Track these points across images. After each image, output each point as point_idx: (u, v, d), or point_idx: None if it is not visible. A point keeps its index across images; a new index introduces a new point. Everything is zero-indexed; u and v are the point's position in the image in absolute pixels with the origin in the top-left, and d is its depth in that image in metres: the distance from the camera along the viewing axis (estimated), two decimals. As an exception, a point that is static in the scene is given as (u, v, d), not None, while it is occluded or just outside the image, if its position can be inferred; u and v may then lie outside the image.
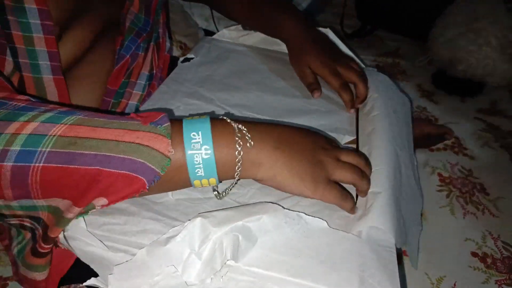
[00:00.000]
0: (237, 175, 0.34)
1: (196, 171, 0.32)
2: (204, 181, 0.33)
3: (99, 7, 0.47)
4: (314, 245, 0.34)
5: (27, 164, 0.28)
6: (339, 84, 0.52)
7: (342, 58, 0.56)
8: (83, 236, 0.33)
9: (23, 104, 0.31)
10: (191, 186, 0.34)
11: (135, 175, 0.29)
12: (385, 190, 0.40)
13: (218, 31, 0.73)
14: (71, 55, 0.44)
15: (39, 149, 0.28)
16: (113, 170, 0.29)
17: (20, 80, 0.40)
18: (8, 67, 0.38)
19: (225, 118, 0.35)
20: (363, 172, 0.39)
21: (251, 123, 0.36)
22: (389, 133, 0.47)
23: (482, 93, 0.93)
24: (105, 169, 0.29)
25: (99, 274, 0.33)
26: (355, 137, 0.49)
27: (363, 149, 0.46)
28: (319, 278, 0.31)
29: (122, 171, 0.29)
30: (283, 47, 0.62)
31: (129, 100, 0.53)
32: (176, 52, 0.79)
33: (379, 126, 0.48)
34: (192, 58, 0.60)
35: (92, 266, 0.33)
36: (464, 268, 0.57)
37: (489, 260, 0.57)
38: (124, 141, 0.30)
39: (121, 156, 0.29)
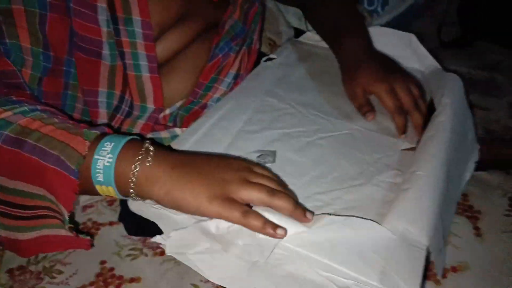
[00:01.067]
0: (132, 189, 0.37)
1: (97, 175, 0.37)
2: (104, 187, 0.38)
3: (203, 11, 0.56)
4: (346, 233, 0.39)
5: None
6: (394, 106, 0.51)
7: (402, 77, 0.54)
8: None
9: (15, 99, 0.41)
10: (97, 191, 0.39)
11: (60, 169, 0.35)
12: (430, 195, 0.42)
13: (308, 31, 0.78)
14: (171, 50, 0.54)
15: (2, 131, 0.36)
16: (46, 164, 0.36)
17: (124, 77, 0.50)
18: (104, 69, 0.49)
19: (147, 141, 0.39)
20: (274, 190, 0.38)
21: (166, 149, 0.40)
22: (447, 144, 0.49)
23: None
24: (41, 161, 0.36)
25: (163, 232, 0.40)
26: (414, 146, 0.51)
27: (418, 149, 0.48)
28: (343, 260, 0.36)
29: (52, 166, 0.35)
30: None
31: (214, 94, 0.61)
32: (264, 48, 0.87)
33: (440, 134, 0.50)
34: (274, 58, 0.67)
35: (158, 223, 0.41)
36: (515, 296, 0.55)
37: (544, 294, 0.55)
38: (57, 139, 0.36)
39: (51, 151, 0.36)
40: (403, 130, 0.51)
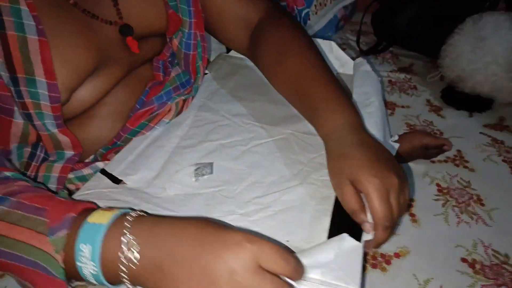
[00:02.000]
0: (125, 283, 0.33)
1: (89, 279, 0.34)
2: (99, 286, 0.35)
3: (122, 59, 0.53)
4: None
5: None
6: (383, 217, 0.39)
7: (399, 177, 0.41)
8: None
9: None
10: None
11: (42, 272, 0.34)
12: None
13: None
14: (88, 100, 0.50)
15: None
16: (29, 267, 0.34)
17: (38, 136, 0.47)
18: (17, 126, 0.46)
19: (125, 229, 0.33)
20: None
21: (151, 231, 0.33)
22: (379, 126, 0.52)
23: (491, 109, 0.95)
24: (21, 265, 0.34)
25: None
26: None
27: None
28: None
29: (36, 270, 0.34)
30: None
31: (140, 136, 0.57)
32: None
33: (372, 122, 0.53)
34: (206, 74, 0.67)
35: None
36: (452, 272, 0.59)
37: (477, 266, 0.60)
38: (31, 245, 0.34)
39: (30, 258, 0.34)
40: (375, 245, 0.42)
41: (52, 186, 0.51)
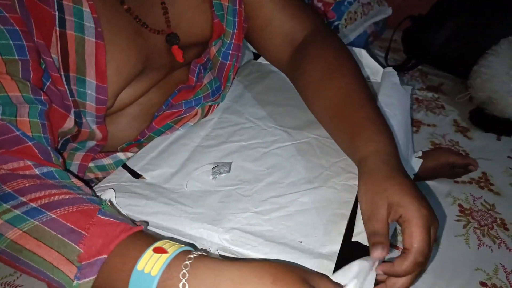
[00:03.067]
0: None
1: None
2: None
3: (161, 65, 0.54)
4: None
5: None
6: (422, 250, 0.36)
7: (436, 225, 0.39)
8: None
9: (9, 190, 0.36)
10: None
11: None
12: None
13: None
14: (124, 101, 0.51)
15: None
16: (55, 285, 0.34)
17: (77, 131, 0.49)
18: (69, 123, 0.46)
19: (181, 277, 0.31)
20: None
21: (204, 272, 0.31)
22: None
23: (520, 133, 0.92)
24: (48, 280, 0.34)
25: None
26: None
27: None
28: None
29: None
30: None
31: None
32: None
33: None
34: (234, 78, 0.69)
35: None
36: (470, 296, 0.58)
37: (497, 292, 0.58)
38: (59, 269, 0.33)
39: (57, 280, 0.33)
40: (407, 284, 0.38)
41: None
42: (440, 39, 1.16)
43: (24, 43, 0.40)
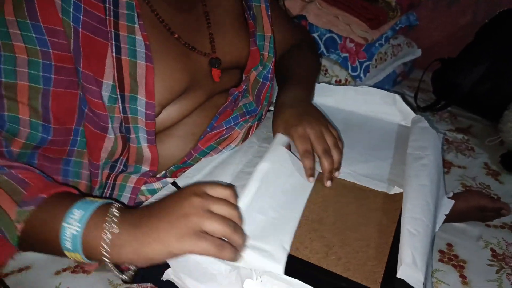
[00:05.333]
0: (103, 256, 0.37)
1: (65, 242, 0.37)
2: (72, 253, 0.38)
3: (205, 85, 0.59)
4: None
5: None
6: (302, 150, 0.54)
7: (316, 124, 0.56)
8: None
9: None
10: (65, 255, 0.39)
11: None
12: (427, 242, 0.45)
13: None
14: (171, 119, 0.56)
15: None
16: None
17: (122, 151, 0.54)
18: (108, 142, 0.52)
19: (113, 206, 0.39)
20: (236, 225, 0.39)
21: (128, 208, 0.40)
22: (433, 189, 0.53)
23: (553, 180, 0.91)
24: None
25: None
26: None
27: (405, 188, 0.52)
28: None
29: None
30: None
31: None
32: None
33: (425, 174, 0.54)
34: (271, 110, 0.72)
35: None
36: None
37: None
38: (1, 207, 0.39)
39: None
40: (309, 173, 0.54)
41: (127, 195, 0.57)
42: (470, 81, 1.18)
43: (52, 76, 0.45)
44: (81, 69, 0.46)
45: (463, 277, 0.66)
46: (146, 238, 0.37)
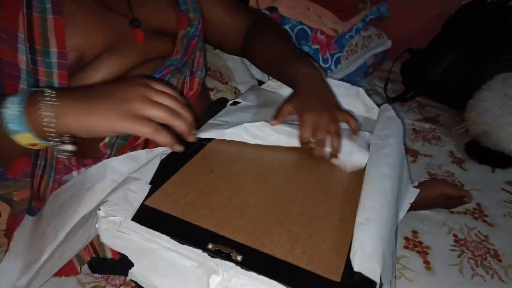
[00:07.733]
0: (47, 130, 0.40)
1: (10, 125, 0.39)
2: (20, 136, 0.40)
3: (137, 44, 0.60)
4: None
5: None
6: (302, 137, 0.57)
7: (326, 115, 0.58)
8: None
9: None
10: (17, 142, 0.41)
11: None
12: (384, 230, 0.46)
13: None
14: (107, 72, 0.57)
15: None
16: None
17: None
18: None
19: (46, 90, 0.41)
20: (178, 113, 0.43)
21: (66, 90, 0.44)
22: (393, 177, 0.54)
23: (514, 167, 0.95)
24: None
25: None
26: None
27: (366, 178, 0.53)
28: None
29: None
30: None
31: None
32: (230, 96, 0.93)
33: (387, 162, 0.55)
34: (239, 102, 0.72)
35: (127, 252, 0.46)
36: (463, 325, 0.59)
37: (490, 322, 0.60)
38: None
39: None
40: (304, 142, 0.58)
41: None
42: (438, 72, 1.21)
43: None
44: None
45: (427, 262, 0.68)
46: (88, 110, 0.40)
